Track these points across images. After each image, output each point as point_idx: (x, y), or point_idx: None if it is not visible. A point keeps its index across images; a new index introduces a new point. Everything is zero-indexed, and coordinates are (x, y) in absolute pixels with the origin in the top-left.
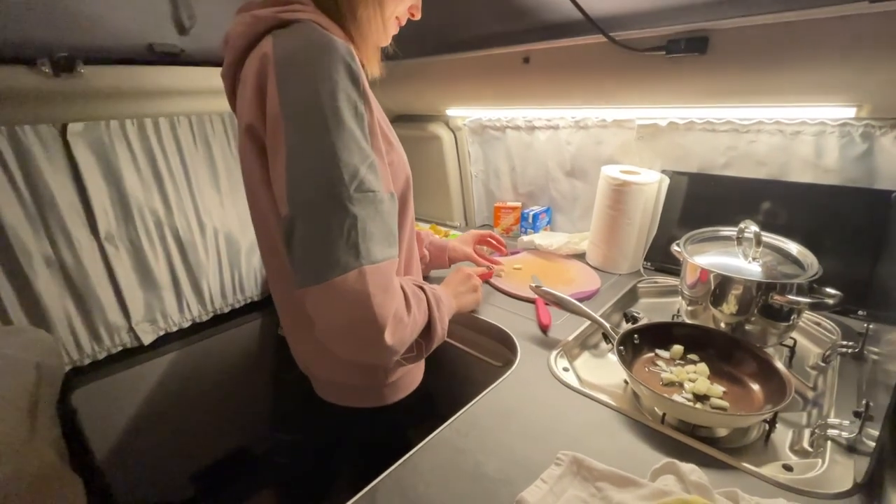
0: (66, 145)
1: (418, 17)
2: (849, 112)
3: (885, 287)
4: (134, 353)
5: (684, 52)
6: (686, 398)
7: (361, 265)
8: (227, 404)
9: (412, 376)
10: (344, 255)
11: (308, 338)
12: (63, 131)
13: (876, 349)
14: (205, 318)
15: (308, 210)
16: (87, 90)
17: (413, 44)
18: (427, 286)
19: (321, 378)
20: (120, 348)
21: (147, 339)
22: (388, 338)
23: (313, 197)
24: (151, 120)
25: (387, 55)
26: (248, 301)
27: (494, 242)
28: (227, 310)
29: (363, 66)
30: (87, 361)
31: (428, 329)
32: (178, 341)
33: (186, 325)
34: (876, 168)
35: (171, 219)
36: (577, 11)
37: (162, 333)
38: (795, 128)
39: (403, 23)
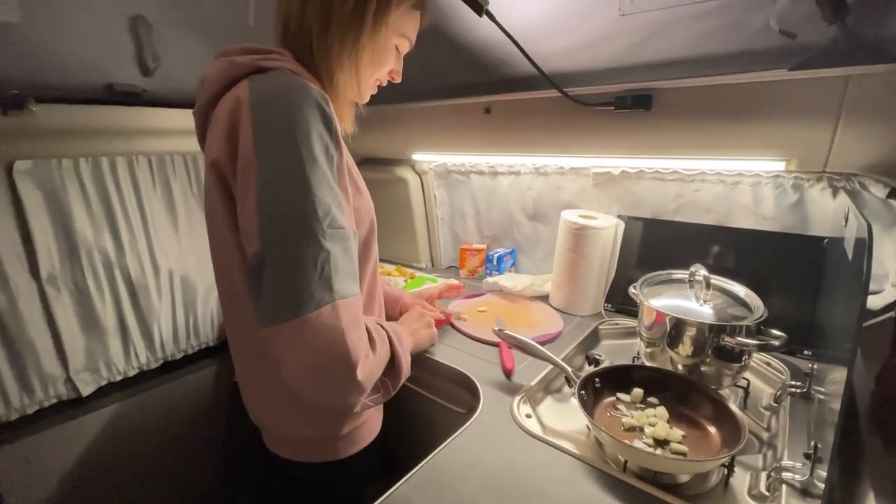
0: (12, 183)
1: (398, 80)
2: (779, 165)
3: (823, 328)
4: (71, 406)
5: (631, 107)
6: (647, 443)
7: (335, 300)
8: (174, 459)
9: (369, 427)
10: (318, 289)
11: (263, 385)
12: (9, 169)
13: (822, 389)
14: (154, 366)
15: (281, 245)
16: (38, 129)
17: (381, 91)
18: (385, 322)
19: (273, 430)
20: (54, 401)
21: (86, 390)
22: (360, 374)
23: (287, 232)
24: (108, 159)
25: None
26: (203, 346)
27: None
28: (179, 356)
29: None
30: (14, 417)
31: (392, 365)
32: (121, 391)
33: (132, 373)
34: (808, 216)
35: (123, 259)
36: (534, 68)
37: (104, 383)
38: (734, 178)
39: (384, 84)
